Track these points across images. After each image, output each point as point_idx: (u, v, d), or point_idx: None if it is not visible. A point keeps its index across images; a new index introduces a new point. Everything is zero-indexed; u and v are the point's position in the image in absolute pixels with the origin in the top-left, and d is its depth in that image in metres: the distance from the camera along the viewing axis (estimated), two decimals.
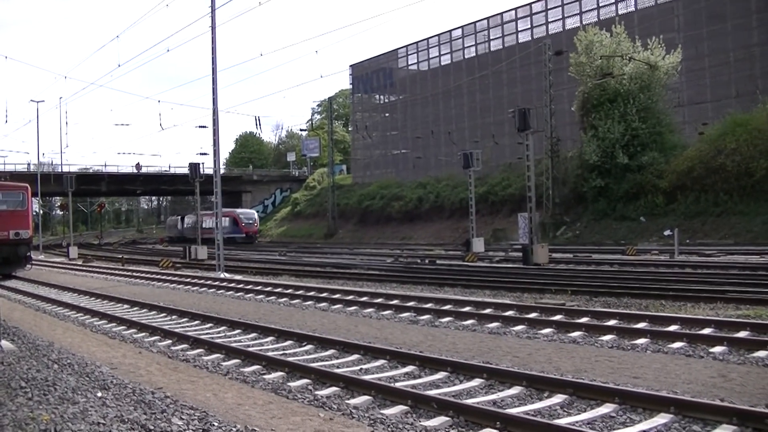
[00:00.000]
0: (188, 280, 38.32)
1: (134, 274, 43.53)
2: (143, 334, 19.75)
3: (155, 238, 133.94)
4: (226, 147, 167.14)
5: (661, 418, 9.88)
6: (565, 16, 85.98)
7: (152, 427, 9.07)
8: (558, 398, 11.19)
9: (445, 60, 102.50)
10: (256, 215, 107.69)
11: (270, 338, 18.18)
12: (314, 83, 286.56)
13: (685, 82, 71.95)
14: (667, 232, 53.92)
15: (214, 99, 43.30)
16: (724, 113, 65.23)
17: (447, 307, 22.38)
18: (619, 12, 78.45)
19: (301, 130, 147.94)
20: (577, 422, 9.91)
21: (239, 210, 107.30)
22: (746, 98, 65.93)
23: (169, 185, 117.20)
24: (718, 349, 14.48)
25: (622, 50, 65.06)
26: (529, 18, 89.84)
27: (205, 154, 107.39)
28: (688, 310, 20.57)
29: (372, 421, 10.05)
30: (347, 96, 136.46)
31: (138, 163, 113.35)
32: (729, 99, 69.00)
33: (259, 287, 31.86)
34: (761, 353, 13.92)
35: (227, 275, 40.02)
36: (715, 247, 47.40)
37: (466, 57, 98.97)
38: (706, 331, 16.35)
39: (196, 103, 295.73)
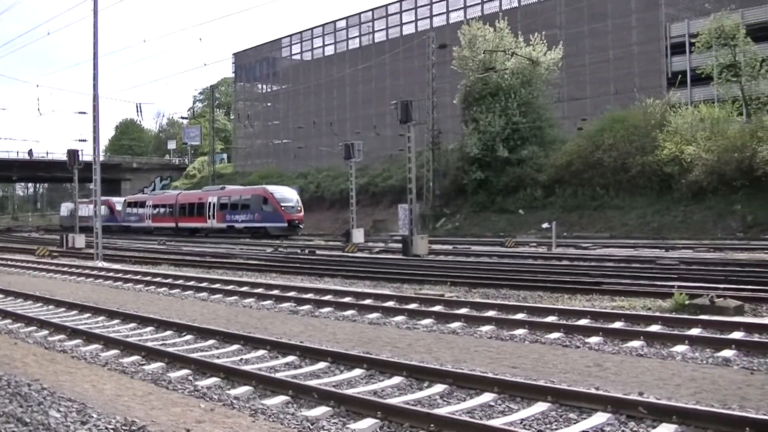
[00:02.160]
0: (65, 269, 37.39)
1: (8, 262, 42.34)
2: (19, 324, 19.16)
3: (31, 226, 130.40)
4: (106, 134, 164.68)
5: (539, 407, 10.00)
6: (450, 9, 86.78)
7: (29, 420, 8.79)
8: (438, 388, 11.24)
9: (329, 50, 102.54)
10: (297, 196, 72.90)
11: (149, 328, 17.87)
12: (197, 71, 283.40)
13: (566, 78, 73.32)
14: (545, 225, 54.91)
15: (94, 85, 42.56)
16: (602, 109, 66.80)
17: (327, 298, 22.33)
18: (503, 7, 79.46)
19: (182, 118, 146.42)
20: (456, 411, 9.97)
21: (273, 187, 73.56)
22: (624, 95, 67.48)
23: (47, 172, 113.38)
24: (593, 339, 14.75)
25: (505, 45, 66.01)
26: (413, 11, 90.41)
27: (84, 140, 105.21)
28: (565, 302, 20.88)
29: (253, 411, 9.96)
30: (230, 84, 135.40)
31: (30, 150, 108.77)
32: (608, 96, 70.51)
33: (138, 276, 31.30)
34: (635, 343, 14.23)
35: (105, 264, 39.26)
36: (592, 240, 48.43)
37: (349, 48, 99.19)
38: (583, 321, 16.63)
39: (76, 89, 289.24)
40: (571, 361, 12.93)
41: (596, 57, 73.48)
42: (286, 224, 67.77)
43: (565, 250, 41.11)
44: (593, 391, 10.41)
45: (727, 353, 13.19)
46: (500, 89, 65.75)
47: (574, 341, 14.79)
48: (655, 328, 15.71)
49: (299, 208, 70.37)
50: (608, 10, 73.33)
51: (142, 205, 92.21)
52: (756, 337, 14.50)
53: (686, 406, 9.48)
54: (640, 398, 9.95)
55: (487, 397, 10.65)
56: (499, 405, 10.37)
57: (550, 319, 17.18)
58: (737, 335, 14.66)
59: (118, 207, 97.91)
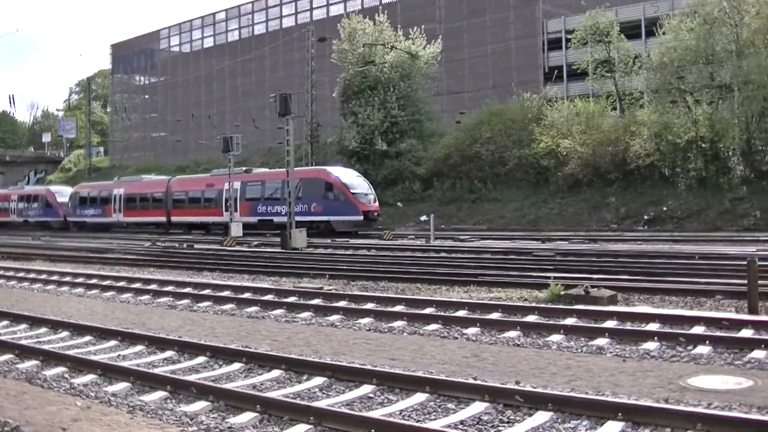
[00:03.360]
0: None
1: None
2: None
3: None
4: None
5: (418, 397, 10.06)
6: (330, 3, 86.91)
7: None
8: (317, 381, 11.22)
9: (208, 42, 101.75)
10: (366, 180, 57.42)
11: (23, 325, 17.36)
12: (74, 62, 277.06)
13: (445, 72, 74.07)
14: (423, 218, 55.25)
15: None
16: (481, 103, 67.69)
17: (206, 292, 22.10)
18: (383, 1, 79.94)
19: (57, 110, 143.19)
20: (336, 403, 9.96)
21: (337, 169, 57.60)
22: (502, 90, 68.61)
23: None
24: (471, 330, 14.91)
25: (385, 39, 66.35)
26: (293, 3, 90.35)
27: None
28: (443, 293, 21.03)
29: (131, 408, 9.80)
30: (107, 76, 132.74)
31: None
32: (486, 90, 71.57)
33: (10, 272, 30.43)
34: (511, 333, 14.44)
35: None
36: (470, 232, 49.00)
37: (229, 40, 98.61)
38: (460, 313, 16.80)
39: None
40: (450, 352, 13.05)
41: (475, 51, 74.49)
42: (361, 217, 52.15)
43: (443, 242, 41.49)
44: (471, 380, 10.52)
45: (601, 341, 13.50)
46: (379, 83, 66.02)
47: (452, 332, 14.93)
48: (531, 318, 15.97)
49: (374, 197, 54.76)
50: (487, 6, 74.40)
51: (105, 195, 73.27)
52: (628, 326, 14.84)
53: (561, 393, 9.70)
54: (516, 387, 10.09)
55: (366, 389, 10.67)
56: (378, 396, 10.40)
57: (429, 310, 17.29)
58: (610, 324, 14.98)
59: (61, 198, 79.40)
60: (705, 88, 53.96)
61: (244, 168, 63.11)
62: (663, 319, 15.13)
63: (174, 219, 65.27)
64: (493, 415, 9.32)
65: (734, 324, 14.43)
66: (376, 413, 9.46)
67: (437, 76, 72.63)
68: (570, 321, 15.42)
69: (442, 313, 16.68)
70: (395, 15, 71.94)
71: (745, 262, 16.61)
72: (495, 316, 16.34)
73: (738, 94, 52.11)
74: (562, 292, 18.15)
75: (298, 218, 48.71)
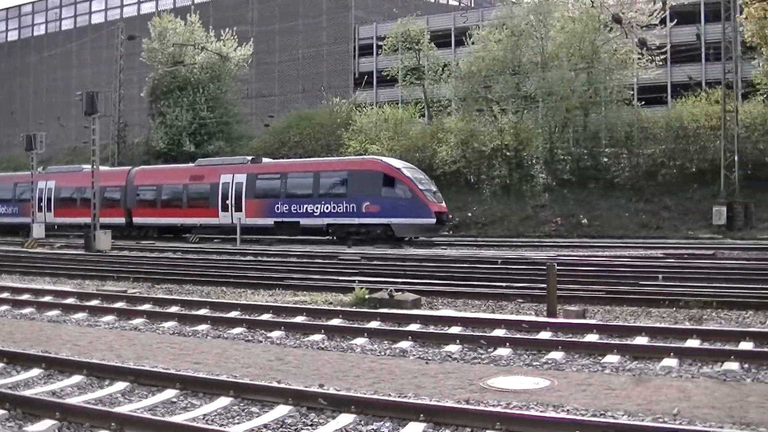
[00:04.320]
0: None
1: None
2: None
3: None
4: None
5: (222, 401, 9.94)
6: (141, 0, 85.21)
7: None
8: (119, 386, 10.94)
9: (13, 36, 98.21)
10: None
11: None
12: None
13: (255, 75, 73.76)
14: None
15: None
16: (290, 107, 67.66)
17: (4, 295, 21.26)
18: (195, 1, 78.98)
19: None
20: (138, 409, 9.74)
21: (394, 160, 47.27)
22: (312, 94, 68.75)
23: None
24: (275, 333, 14.89)
25: (195, 39, 65.67)
26: None
27: None
28: (248, 297, 20.96)
29: None
30: None
31: None
32: (296, 94, 71.64)
33: None
34: (316, 337, 14.46)
35: None
36: (277, 236, 48.75)
37: (35, 34, 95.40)
38: (265, 316, 16.74)
39: None
40: (254, 356, 12.97)
41: (286, 55, 74.61)
42: (434, 219, 42.54)
43: (249, 246, 41.28)
44: (275, 384, 10.48)
45: (404, 344, 13.67)
46: (189, 83, 65.30)
47: (256, 336, 14.86)
48: (336, 321, 16.02)
49: (440, 195, 45.08)
50: (300, 10, 74.68)
51: (22, 190, 57.20)
52: (431, 329, 15.12)
53: (365, 396, 9.74)
54: (320, 390, 10.11)
55: (169, 393, 10.47)
56: (182, 401, 10.22)
57: (233, 314, 17.17)
58: (414, 327, 15.20)
59: None
60: (511, 98, 55.72)
61: (249, 157, 51.51)
62: (465, 322, 15.45)
63: (138, 220, 52.53)
64: (297, 418, 9.29)
65: (533, 326, 14.88)
66: (179, 418, 9.30)
67: (247, 79, 72.40)
68: (374, 324, 15.57)
69: (247, 317, 16.58)
70: (207, 15, 71.35)
71: (545, 267, 17.15)
72: (300, 319, 16.35)
73: (542, 105, 53.96)
74: (367, 296, 18.35)
75: (340, 221, 44.09)
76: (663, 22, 52.82)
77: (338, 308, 17.68)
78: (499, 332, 14.52)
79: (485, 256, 30.99)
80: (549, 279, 16.55)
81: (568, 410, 9.29)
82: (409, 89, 63.06)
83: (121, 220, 51.85)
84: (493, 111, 56.64)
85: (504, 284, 21.28)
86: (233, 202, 47.17)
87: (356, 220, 43.35)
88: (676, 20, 55.94)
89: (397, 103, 62.97)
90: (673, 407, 9.37)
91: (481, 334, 14.28)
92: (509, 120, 55.58)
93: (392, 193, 42.80)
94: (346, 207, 43.61)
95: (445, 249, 36.54)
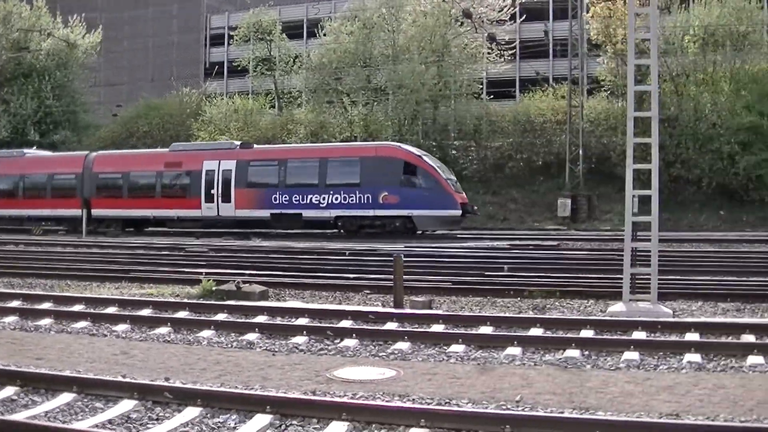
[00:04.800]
0: None
1: None
2: None
3: None
4: None
5: (65, 398, 9.68)
6: None
7: None
8: None
9: None
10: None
11: None
12: None
13: (104, 63, 72.26)
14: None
15: None
16: (139, 97, 66.48)
17: None
18: None
19: None
20: None
21: (411, 147, 43.22)
22: (162, 83, 67.72)
23: None
24: (121, 327, 14.61)
25: (42, 25, 63.79)
26: None
27: None
28: (93, 290, 20.54)
29: None
30: None
31: None
32: (145, 83, 70.43)
33: None
34: (162, 330, 14.26)
35: None
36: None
37: None
38: (110, 310, 16.43)
39: None
40: (99, 350, 12.71)
41: (136, 43, 73.37)
42: (459, 211, 39.16)
43: (96, 238, 40.33)
44: (120, 378, 10.32)
45: (251, 336, 13.65)
46: (34, 70, 63.45)
47: (101, 330, 14.58)
48: (182, 314, 15.88)
49: (459, 184, 42.21)
50: None
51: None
52: (278, 321, 15.12)
53: (210, 388, 9.70)
54: (166, 383, 10.00)
55: (9, 391, 10.13)
56: (23, 398, 9.91)
57: (78, 307, 16.77)
58: (261, 319, 15.17)
59: None
60: (361, 90, 55.95)
61: (238, 142, 46.86)
62: (312, 313, 15.52)
63: (98, 212, 45.85)
64: (142, 412, 9.16)
65: (380, 317, 15.03)
66: (20, 416, 9.04)
67: (96, 67, 70.83)
68: (221, 317, 15.51)
69: (92, 311, 16.25)
70: (55, 1, 69.34)
71: (392, 259, 17.31)
72: (146, 312, 16.10)
73: (392, 97, 54.34)
74: (214, 288, 18.22)
75: (351, 212, 40.01)
76: (512, 18, 53.96)
77: (185, 300, 17.48)
78: (346, 323, 14.63)
79: (334, 248, 31.04)
80: (396, 270, 16.70)
81: (413, 399, 9.44)
82: (260, 80, 62.77)
83: (77, 212, 45.18)
84: (343, 103, 56.80)
85: (352, 276, 21.43)
86: (219, 191, 42.52)
87: (371, 212, 39.69)
88: (525, 16, 57.27)
89: (248, 94, 62.60)
90: (517, 394, 9.61)
91: (328, 325, 14.35)
92: (359, 112, 55.85)
93: (413, 183, 39.60)
94: (360, 197, 39.80)
95: (294, 241, 36.33)
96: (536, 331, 13.61)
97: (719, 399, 9.50)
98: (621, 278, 16.15)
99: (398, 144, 43.40)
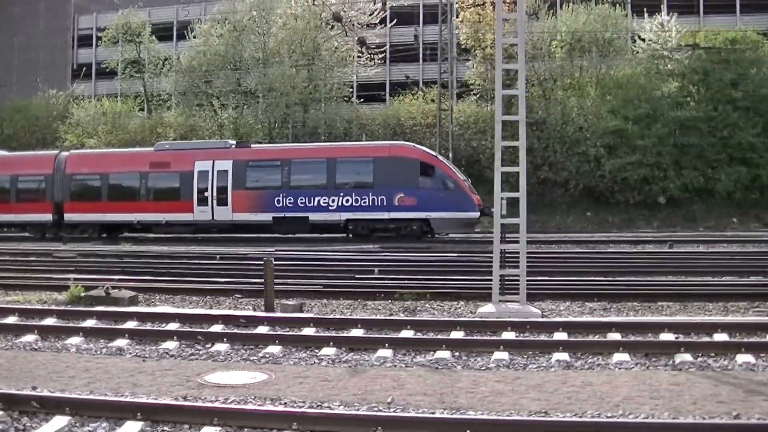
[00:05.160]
0: None
1: None
2: None
3: None
4: None
5: None
6: None
7: None
8: None
9: None
10: None
11: None
12: None
13: None
14: None
15: None
16: (4, 99, 64.82)
17: None
18: None
19: None
20: None
21: (423, 148, 41.91)
22: (27, 85, 66.18)
23: None
24: None
25: None
26: None
27: None
28: None
29: None
30: None
31: None
32: (10, 85, 68.66)
33: None
34: (29, 337, 13.85)
35: None
36: None
37: None
38: None
39: None
40: None
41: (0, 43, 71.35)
42: (477, 213, 37.61)
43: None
44: None
45: (121, 342, 13.45)
46: None
47: None
48: (49, 321, 15.48)
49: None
50: None
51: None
52: (148, 326, 14.90)
53: (79, 396, 9.53)
54: (32, 393, 9.78)
55: None
56: None
57: None
58: (131, 325, 14.95)
59: None
60: (231, 93, 55.58)
61: (232, 141, 44.37)
62: (183, 318, 15.36)
63: (73, 216, 42.59)
64: (8, 423, 8.93)
65: (251, 321, 14.98)
66: None
67: None
68: (90, 323, 15.18)
69: None
70: None
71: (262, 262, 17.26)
72: (11, 320, 15.66)
73: (262, 101, 54.16)
74: (83, 294, 17.90)
75: (364, 215, 38.15)
76: (383, 22, 54.23)
77: (52, 307, 17.09)
78: (216, 328, 14.55)
79: (204, 252, 30.78)
80: (266, 274, 16.67)
81: (285, 403, 9.46)
82: (128, 82, 61.87)
83: (46, 216, 42.92)
84: (213, 106, 56.46)
85: (222, 279, 21.34)
86: (214, 194, 40.04)
87: (386, 215, 37.87)
88: (395, 21, 57.57)
89: (117, 97, 61.59)
90: (388, 396, 9.69)
91: (198, 330, 14.23)
92: (229, 115, 55.61)
93: (431, 184, 37.88)
94: (373, 199, 38.03)
95: (165, 245, 35.83)
96: (407, 333, 13.76)
97: (587, 396, 9.75)
98: (491, 280, 16.41)
99: (412, 144, 42.14)
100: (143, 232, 42.68)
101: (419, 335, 13.73)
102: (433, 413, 8.89)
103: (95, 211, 42.01)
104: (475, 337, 13.42)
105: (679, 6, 57.00)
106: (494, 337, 13.33)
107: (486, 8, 49.70)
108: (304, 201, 38.91)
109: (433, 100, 52.86)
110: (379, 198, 37.67)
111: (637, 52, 52.58)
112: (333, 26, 52.44)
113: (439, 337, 13.36)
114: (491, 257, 16.72)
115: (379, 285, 19.92)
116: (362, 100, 58.27)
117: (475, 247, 32.09)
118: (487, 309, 16.10)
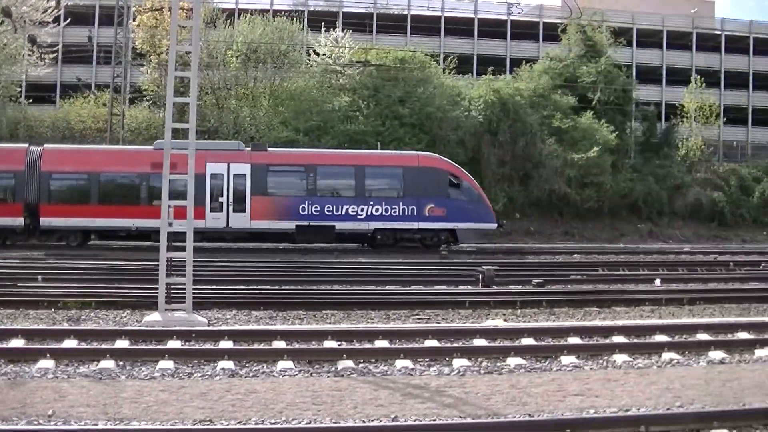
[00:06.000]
0: None
1: None
2: None
3: None
4: None
5: None
6: None
7: None
8: None
9: None
10: None
11: None
12: None
13: None
14: None
15: None
16: None
17: None
18: None
19: None
20: None
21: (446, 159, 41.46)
22: None
23: None
24: None
25: None
26: None
27: None
28: None
29: None
30: None
31: None
32: None
33: None
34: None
35: None
36: None
37: None
38: None
39: None
40: None
41: None
42: (495, 224, 39.16)
43: None
44: None
45: None
46: None
47: None
48: None
49: None
50: None
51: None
52: None
53: None
54: None
55: None
56: None
57: None
58: None
59: None
60: None
61: (248, 144, 40.93)
62: None
63: (51, 220, 36.73)
64: None
65: None
66: None
67: None
68: None
69: None
70: None
71: None
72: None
73: None
74: None
75: (393, 225, 37.46)
76: (56, 20, 52.29)
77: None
78: None
79: None
80: None
81: None
82: None
83: (15, 220, 36.63)
84: None
85: None
86: (230, 199, 36.93)
87: (415, 225, 37.67)
88: (69, 20, 55.64)
89: None
90: (49, 408, 9.48)
91: None
92: None
93: (459, 195, 38.57)
94: (403, 209, 37.62)
95: None
96: (70, 343, 13.45)
97: (251, 403, 9.98)
98: (158, 288, 16.33)
99: (437, 155, 41.43)
100: (139, 239, 37.08)
101: (82, 345, 13.44)
102: (96, 425, 8.78)
103: (82, 215, 36.96)
104: (140, 346, 13.36)
105: (353, 24, 59.04)
106: (159, 346, 13.35)
107: (164, 13, 48.95)
108: (330, 209, 37.67)
109: (104, 104, 51.63)
110: (409, 208, 37.61)
111: (312, 66, 53.84)
112: (2, 21, 50.01)
113: (103, 346, 13.18)
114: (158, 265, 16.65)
115: (41, 294, 19.27)
116: (31, 100, 55.94)
117: (144, 254, 31.53)
118: (153, 318, 16.04)
